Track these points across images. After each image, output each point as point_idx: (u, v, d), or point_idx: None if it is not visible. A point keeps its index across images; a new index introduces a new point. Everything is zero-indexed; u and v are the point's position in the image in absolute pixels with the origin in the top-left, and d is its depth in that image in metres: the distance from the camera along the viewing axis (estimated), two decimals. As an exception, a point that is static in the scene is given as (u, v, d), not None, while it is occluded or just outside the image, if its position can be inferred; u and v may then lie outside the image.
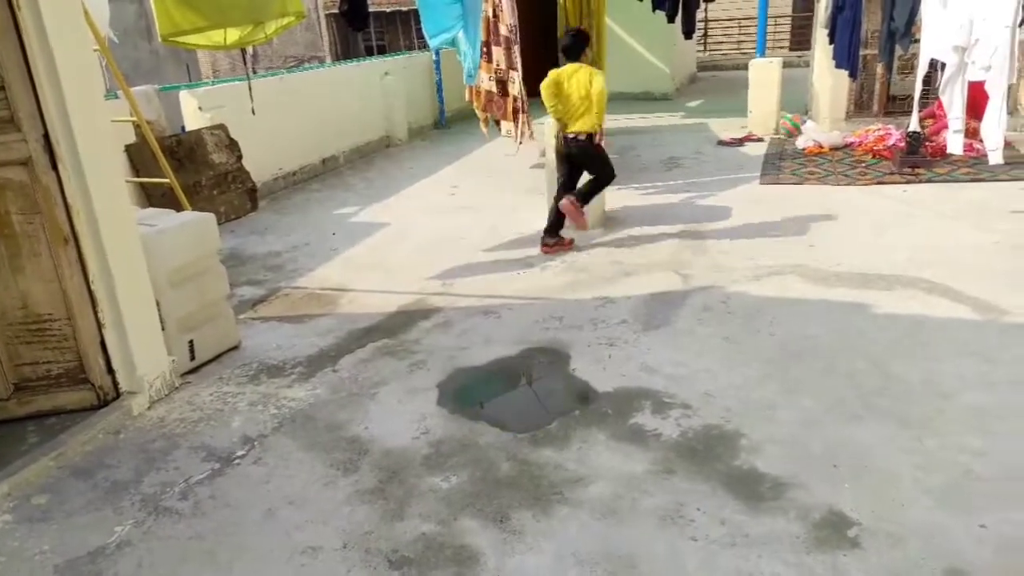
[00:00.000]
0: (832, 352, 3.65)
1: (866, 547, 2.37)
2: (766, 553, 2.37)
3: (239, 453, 3.10)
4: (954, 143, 5.56)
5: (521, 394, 3.55)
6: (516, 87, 6.16)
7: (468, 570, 2.38)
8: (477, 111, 6.91)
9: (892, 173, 6.79)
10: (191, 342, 3.78)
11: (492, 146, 9.30)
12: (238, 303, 4.65)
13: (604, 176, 5.34)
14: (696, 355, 3.72)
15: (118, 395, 3.43)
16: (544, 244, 5.41)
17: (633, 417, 3.21)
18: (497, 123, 7.12)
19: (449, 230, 6.07)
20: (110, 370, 3.39)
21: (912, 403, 3.17)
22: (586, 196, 5.31)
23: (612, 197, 6.45)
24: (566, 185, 5.36)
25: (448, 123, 11.20)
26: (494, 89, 6.36)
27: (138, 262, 3.43)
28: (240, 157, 6.82)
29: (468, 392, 3.56)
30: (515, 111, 6.27)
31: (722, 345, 3.80)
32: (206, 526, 2.66)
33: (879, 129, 7.79)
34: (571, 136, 5.16)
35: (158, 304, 3.57)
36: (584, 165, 5.33)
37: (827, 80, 8.58)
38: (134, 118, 5.30)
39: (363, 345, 4.05)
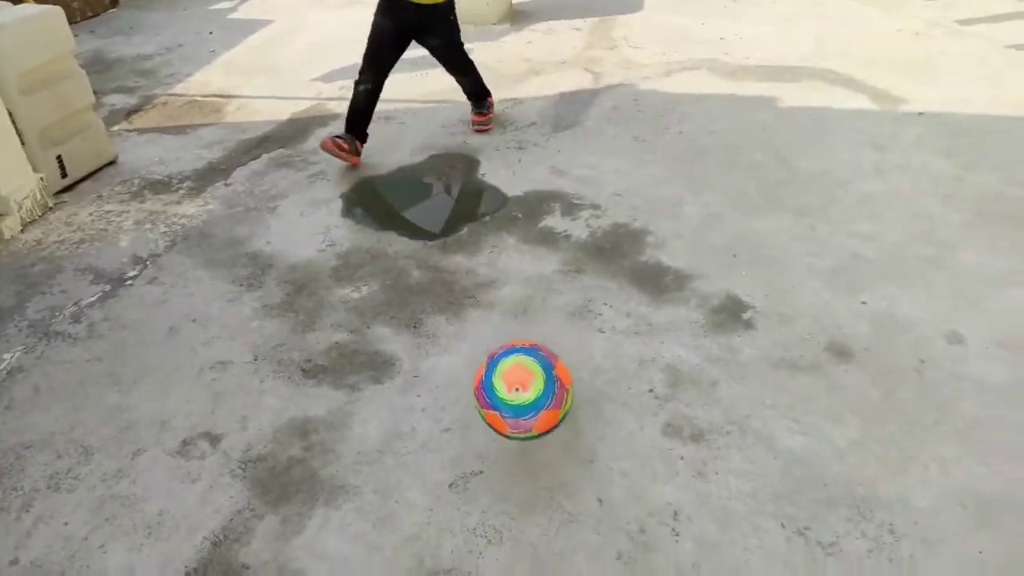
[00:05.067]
0: (736, 147, 3.68)
1: (758, 327, 2.53)
2: (668, 339, 2.50)
3: (131, 274, 2.93)
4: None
5: (429, 202, 3.45)
6: None
7: (383, 373, 2.42)
8: None
9: (806, -40, 6.53)
10: (59, 157, 3.41)
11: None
12: (109, 114, 4.19)
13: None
14: (606, 155, 3.67)
15: (-17, 219, 3.12)
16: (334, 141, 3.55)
17: (543, 220, 3.19)
18: None
19: (342, 27, 5.52)
20: (-33, 191, 3.05)
21: (809, 194, 3.27)
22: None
23: (519, -12, 5.99)
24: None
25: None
26: None
27: (-25, 65, 2.97)
28: (87, -60, 5.83)
29: (374, 202, 3.43)
30: None
31: (631, 145, 3.76)
32: (103, 348, 2.56)
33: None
34: None
35: (11, 114, 3.14)
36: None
37: None
38: None
39: (256, 157, 3.78)
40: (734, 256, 2.90)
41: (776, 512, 1.89)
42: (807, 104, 4.08)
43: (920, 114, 3.90)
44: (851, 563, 1.76)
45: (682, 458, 2.06)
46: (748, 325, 2.54)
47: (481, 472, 2.05)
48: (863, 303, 2.61)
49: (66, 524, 1.95)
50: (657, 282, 2.78)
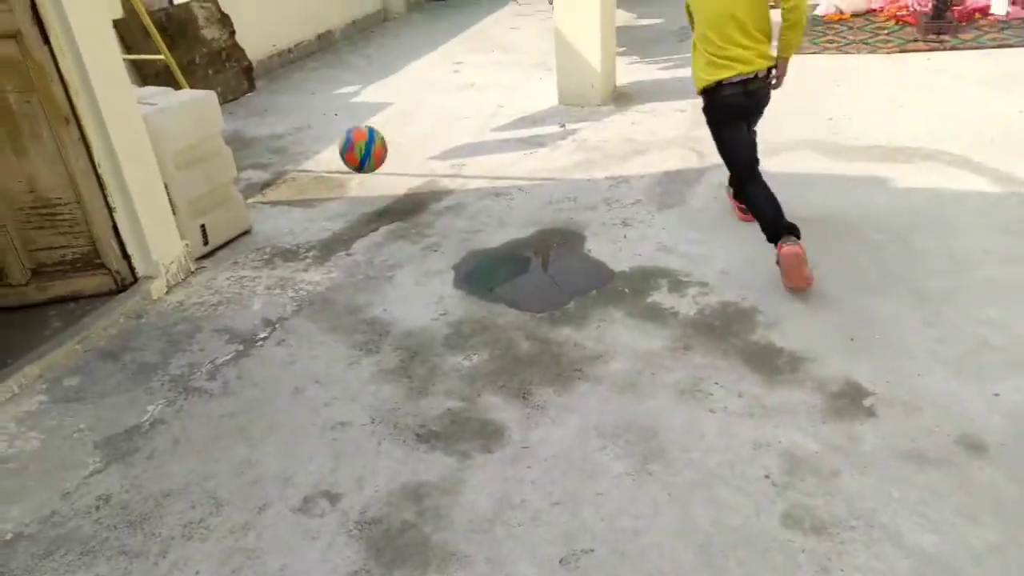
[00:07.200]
0: (851, 226, 3.61)
1: (881, 416, 2.43)
2: (783, 423, 2.44)
3: (261, 335, 3.14)
4: (999, 2, 5.28)
5: (537, 275, 3.55)
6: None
7: (494, 443, 2.46)
8: None
9: (916, 40, 6.47)
10: (203, 226, 3.74)
11: (494, 19, 8.84)
12: (245, 187, 4.57)
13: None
14: (712, 233, 3.68)
15: (135, 280, 3.43)
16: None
17: (650, 296, 3.22)
18: None
19: (455, 109, 5.87)
20: (125, 255, 3.37)
21: (931, 276, 3.16)
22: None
23: (623, 71, 6.19)
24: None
25: (447, -6, 10.59)
26: None
27: (142, 142, 3.33)
28: (233, 33, 6.49)
29: (484, 274, 3.55)
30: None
31: (738, 222, 3.76)
32: (236, 404, 2.74)
33: (905, -7, 7.35)
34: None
35: (166, 187, 3.50)
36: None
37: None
38: (119, -10, 4.99)
39: (375, 228, 4.02)
40: (852, 339, 2.81)
41: (909, 615, 1.78)
42: (924, 185, 3.97)
43: (1050, 197, 3.72)
44: None
45: (803, 551, 1.98)
46: (870, 413, 2.45)
47: (592, 550, 2.04)
48: (996, 395, 2.47)
49: (197, 573, 2.06)
50: (770, 363, 2.73)
